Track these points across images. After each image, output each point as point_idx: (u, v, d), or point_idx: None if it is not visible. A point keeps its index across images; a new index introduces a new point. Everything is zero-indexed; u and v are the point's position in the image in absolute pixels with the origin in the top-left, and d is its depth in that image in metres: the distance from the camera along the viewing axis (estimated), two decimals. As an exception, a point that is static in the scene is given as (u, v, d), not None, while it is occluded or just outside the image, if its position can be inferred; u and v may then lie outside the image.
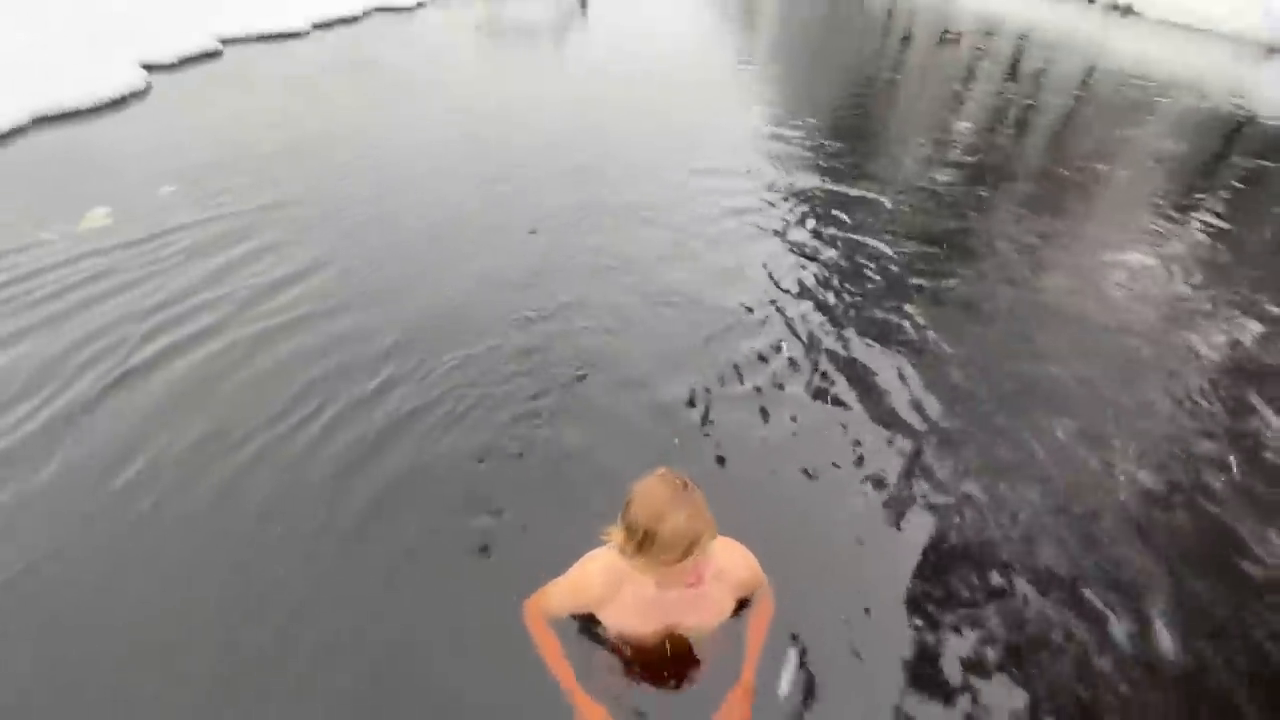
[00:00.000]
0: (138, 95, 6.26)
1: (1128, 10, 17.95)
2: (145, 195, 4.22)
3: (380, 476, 2.32)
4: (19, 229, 3.69)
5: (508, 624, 1.75)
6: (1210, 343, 3.55)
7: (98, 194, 4.15)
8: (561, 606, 1.74)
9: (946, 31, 12.41)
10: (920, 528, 2.28)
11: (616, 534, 1.49)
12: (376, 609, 1.90)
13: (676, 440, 2.54)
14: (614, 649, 1.72)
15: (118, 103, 5.98)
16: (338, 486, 2.28)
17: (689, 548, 1.42)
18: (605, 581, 1.64)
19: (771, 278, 3.82)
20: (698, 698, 1.66)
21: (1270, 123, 8.59)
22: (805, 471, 2.47)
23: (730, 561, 1.68)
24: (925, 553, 2.18)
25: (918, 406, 2.86)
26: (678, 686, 1.70)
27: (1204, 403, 3.06)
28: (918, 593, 2.05)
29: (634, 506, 1.44)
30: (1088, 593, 2.10)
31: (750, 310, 3.46)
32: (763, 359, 3.08)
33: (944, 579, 2.11)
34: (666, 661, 1.70)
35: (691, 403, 2.76)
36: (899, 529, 2.28)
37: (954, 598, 2.05)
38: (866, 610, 1.97)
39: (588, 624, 1.74)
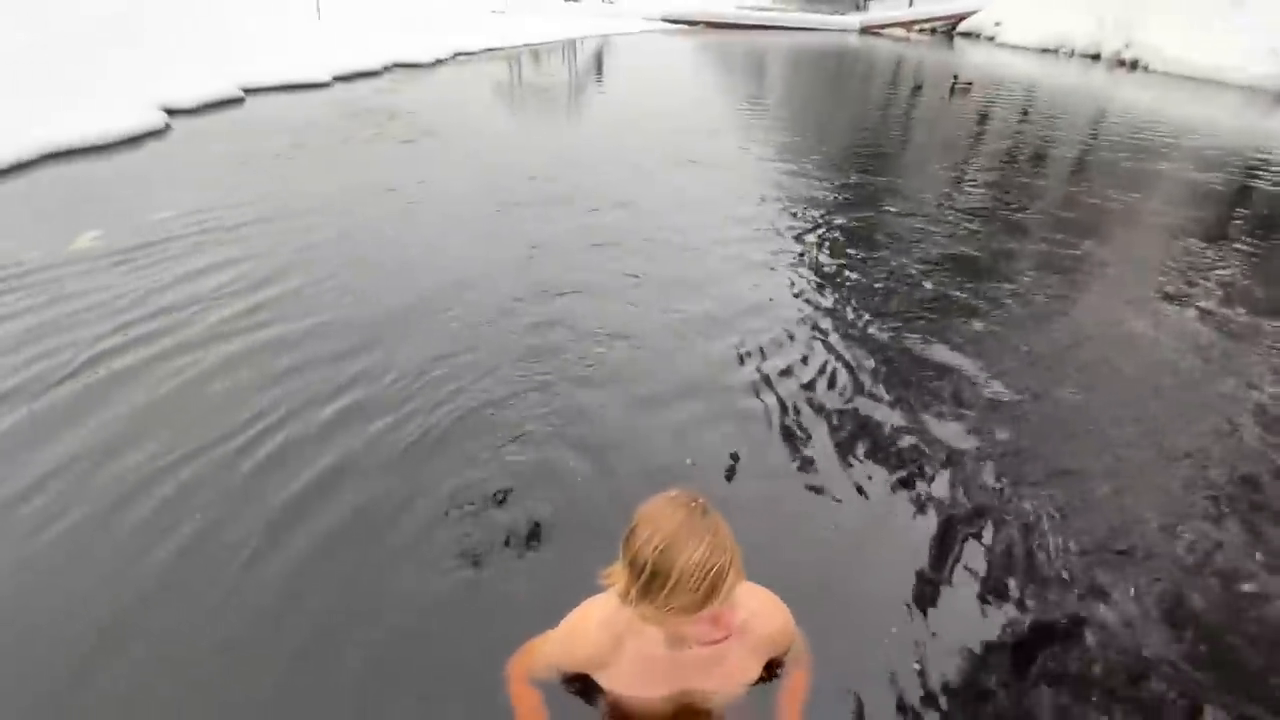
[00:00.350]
0: (155, 135, 6.39)
1: (1134, 65, 18.19)
2: (140, 222, 4.14)
3: (359, 487, 2.12)
4: (3, 249, 3.61)
5: (483, 660, 1.49)
6: (1267, 365, 3.24)
7: (96, 221, 4.08)
8: (550, 665, 1.42)
9: (957, 79, 12.48)
10: (969, 554, 1.99)
11: (618, 574, 1.18)
12: (338, 625, 1.67)
13: (690, 460, 2.25)
14: (612, 717, 1.39)
15: (134, 140, 6.08)
16: (291, 499, 2.06)
17: (709, 591, 1.09)
18: (604, 636, 1.32)
19: (793, 292, 3.68)
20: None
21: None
22: (837, 493, 2.20)
23: (757, 609, 1.35)
24: (975, 582, 1.90)
25: (960, 424, 2.61)
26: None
27: (1265, 428, 2.75)
28: (966, 625, 1.77)
29: (637, 537, 1.12)
30: (1148, 624, 1.79)
31: (769, 325, 3.29)
32: (785, 373, 2.87)
33: (997, 606, 1.83)
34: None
35: (708, 418, 2.53)
36: (945, 556, 1.99)
37: (1006, 628, 1.77)
38: (909, 643, 1.70)
39: (582, 686, 1.41)
